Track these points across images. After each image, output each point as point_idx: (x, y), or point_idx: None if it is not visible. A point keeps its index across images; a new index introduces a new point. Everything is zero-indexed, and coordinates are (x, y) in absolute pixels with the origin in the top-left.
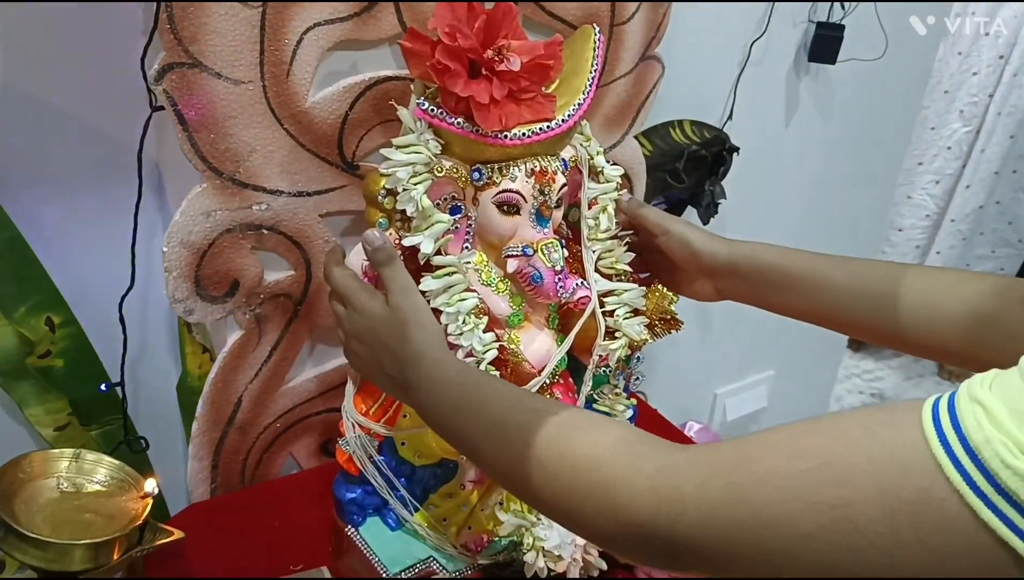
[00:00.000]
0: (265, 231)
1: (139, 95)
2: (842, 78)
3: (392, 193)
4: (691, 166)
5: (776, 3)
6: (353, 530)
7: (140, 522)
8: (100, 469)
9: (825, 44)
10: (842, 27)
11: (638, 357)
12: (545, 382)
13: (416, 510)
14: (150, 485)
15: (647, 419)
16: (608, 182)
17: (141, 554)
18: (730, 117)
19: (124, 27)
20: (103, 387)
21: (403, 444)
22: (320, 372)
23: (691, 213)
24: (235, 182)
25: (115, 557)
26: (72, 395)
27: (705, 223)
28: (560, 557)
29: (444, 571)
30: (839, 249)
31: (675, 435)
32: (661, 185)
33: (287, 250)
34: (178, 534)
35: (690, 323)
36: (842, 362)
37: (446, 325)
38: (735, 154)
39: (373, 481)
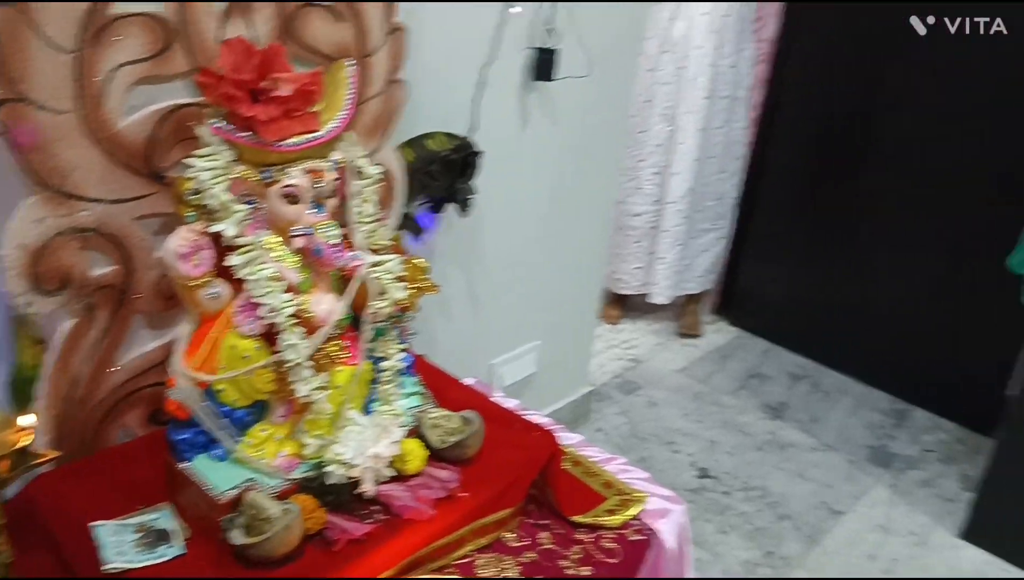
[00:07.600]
0: (90, 233)
1: None
2: (560, 93)
3: (198, 192)
4: (443, 169)
5: (501, 33)
6: (187, 465)
7: (21, 447)
8: None
9: (544, 65)
10: (555, 51)
11: (410, 316)
12: (332, 332)
13: (239, 442)
14: (27, 419)
15: (427, 372)
16: (369, 178)
17: (27, 471)
18: (476, 127)
19: None
20: None
21: (221, 390)
22: (144, 351)
23: (454, 208)
24: (62, 193)
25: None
26: None
27: (463, 214)
28: (354, 466)
29: (265, 488)
30: (580, 231)
31: (452, 383)
32: (421, 185)
33: (110, 248)
34: (53, 453)
35: (462, 300)
36: (604, 336)
37: (251, 290)
38: (479, 157)
39: (202, 417)
